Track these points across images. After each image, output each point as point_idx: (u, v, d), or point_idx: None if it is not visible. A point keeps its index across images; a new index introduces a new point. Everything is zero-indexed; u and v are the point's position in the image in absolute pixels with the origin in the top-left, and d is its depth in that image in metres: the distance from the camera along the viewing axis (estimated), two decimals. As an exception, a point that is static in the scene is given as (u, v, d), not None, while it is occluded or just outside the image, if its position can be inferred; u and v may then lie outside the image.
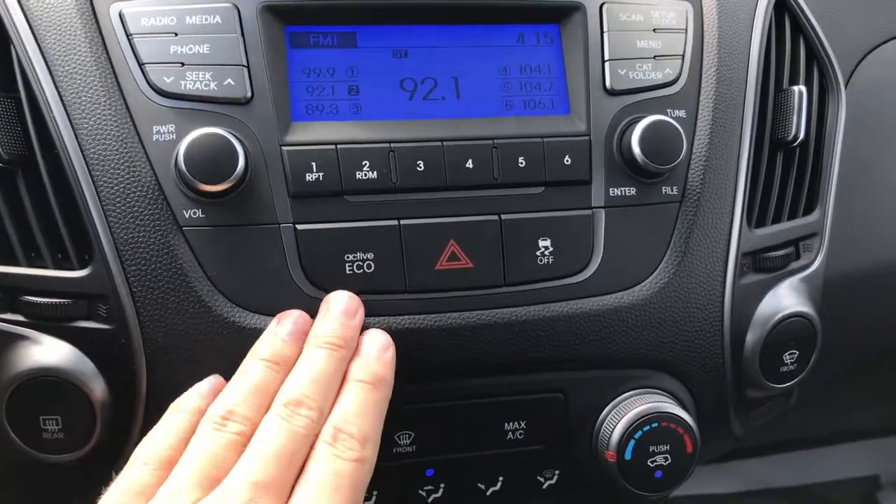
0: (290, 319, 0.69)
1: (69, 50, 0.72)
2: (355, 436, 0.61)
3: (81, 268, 0.70)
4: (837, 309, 0.93)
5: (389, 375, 0.67)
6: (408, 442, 0.77)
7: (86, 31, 0.72)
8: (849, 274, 0.94)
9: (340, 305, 0.69)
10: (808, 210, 0.89)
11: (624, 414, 0.77)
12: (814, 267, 0.88)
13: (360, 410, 0.63)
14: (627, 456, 0.76)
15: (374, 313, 0.72)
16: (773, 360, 0.84)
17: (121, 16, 0.73)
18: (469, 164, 0.74)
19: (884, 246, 0.97)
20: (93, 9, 0.73)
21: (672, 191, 0.79)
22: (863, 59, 0.98)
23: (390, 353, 0.68)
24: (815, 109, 0.90)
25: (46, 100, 0.70)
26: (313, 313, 0.70)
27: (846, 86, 0.95)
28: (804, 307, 0.85)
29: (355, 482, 0.59)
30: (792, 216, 0.88)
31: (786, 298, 0.85)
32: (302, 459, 0.59)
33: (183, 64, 0.72)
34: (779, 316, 0.83)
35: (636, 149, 0.76)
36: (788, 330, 0.84)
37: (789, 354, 0.84)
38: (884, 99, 0.98)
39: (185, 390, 0.69)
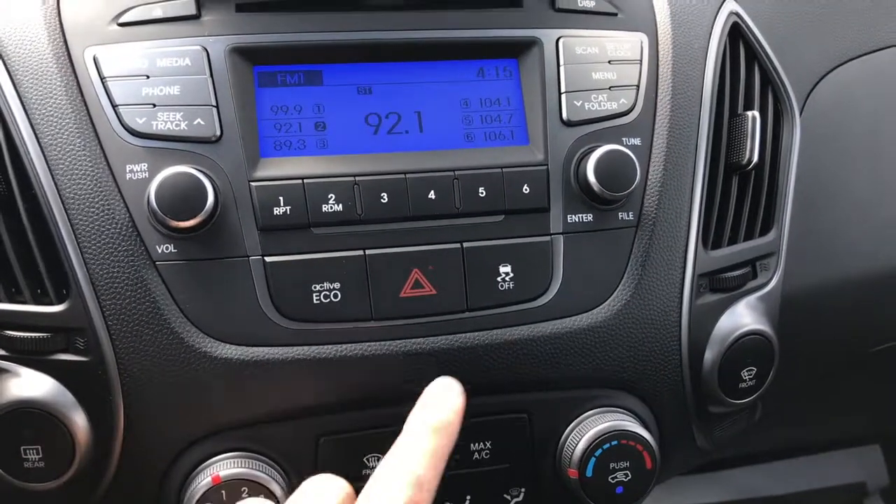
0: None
1: (46, 94, 0.75)
2: (410, 481, 0.62)
3: (59, 302, 0.73)
4: (802, 324, 0.96)
5: (455, 425, 0.68)
6: (377, 464, 0.79)
7: (61, 74, 0.75)
8: (811, 289, 0.97)
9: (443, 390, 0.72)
10: (765, 231, 0.92)
11: (585, 432, 0.80)
12: (770, 286, 0.91)
13: (420, 455, 0.65)
14: (589, 473, 0.79)
15: (340, 341, 0.75)
16: (731, 377, 0.87)
17: (95, 60, 0.76)
18: (431, 194, 0.78)
19: (843, 261, 0.99)
20: (68, 53, 0.76)
21: (628, 216, 0.82)
22: (819, 81, 1.01)
23: (458, 402, 0.70)
24: (770, 133, 0.93)
25: (24, 141, 0.73)
26: (281, 342, 0.74)
27: (802, 108, 0.98)
28: (761, 325, 0.88)
29: None
30: (748, 237, 0.91)
31: (743, 317, 0.88)
32: None
33: (154, 105, 0.75)
34: (736, 334, 0.86)
35: (591, 177, 0.79)
36: (746, 347, 0.87)
37: (747, 371, 0.87)
38: (840, 120, 1.01)
39: (161, 419, 0.72)
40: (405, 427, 0.67)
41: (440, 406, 0.69)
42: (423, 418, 0.67)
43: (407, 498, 0.60)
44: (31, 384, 0.72)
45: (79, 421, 0.73)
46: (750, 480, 1.62)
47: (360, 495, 0.61)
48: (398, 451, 0.64)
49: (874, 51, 1.03)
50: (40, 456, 0.72)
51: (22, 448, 0.72)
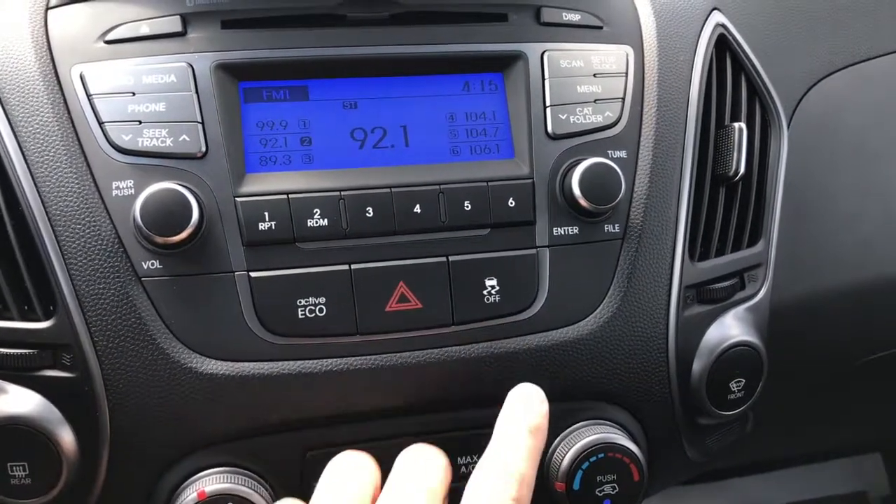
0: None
1: (32, 111, 0.75)
2: (514, 476, 0.65)
3: (46, 319, 0.73)
4: (792, 334, 0.96)
5: (545, 426, 0.71)
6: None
7: (48, 92, 0.76)
8: (800, 300, 0.97)
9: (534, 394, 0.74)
10: (753, 242, 0.92)
11: (572, 445, 0.80)
12: (759, 297, 0.91)
13: (520, 453, 0.68)
14: (576, 486, 0.79)
15: (326, 355, 0.75)
16: (719, 389, 0.87)
17: (81, 77, 0.76)
18: (417, 209, 0.78)
19: (832, 272, 1.00)
20: (55, 70, 0.77)
21: (614, 228, 0.82)
22: (807, 92, 1.01)
23: (545, 407, 0.72)
24: (758, 144, 0.94)
25: (10, 158, 0.74)
26: (266, 357, 0.74)
27: (791, 119, 0.98)
28: (749, 336, 0.88)
29: None
30: (736, 248, 0.91)
31: (731, 328, 0.88)
32: None
33: (140, 122, 0.75)
34: (724, 345, 0.86)
35: (576, 190, 0.79)
36: (734, 359, 0.87)
37: (736, 382, 0.87)
38: (827, 130, 1.01)
39: (147, 435, 0.72)
40: (499, 431, 0.69)
41: (533, 410, 0.71)
42: (519, 421, 0.69)
43: (513, 494, 0.63)
44: (17, 400, 0.72)
45: (65, 437, 0.73)
46: (751, 489, 1.62)
47: (466, 493, 0.64)
48: (500, 452, 0.67)
49: (861, 61, 1.03)
50: (27, 472, 0.73)
51: (8, 465, 0.72)
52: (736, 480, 1.61)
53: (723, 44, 0.94)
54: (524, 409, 0.71)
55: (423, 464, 0.69)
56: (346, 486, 0.68)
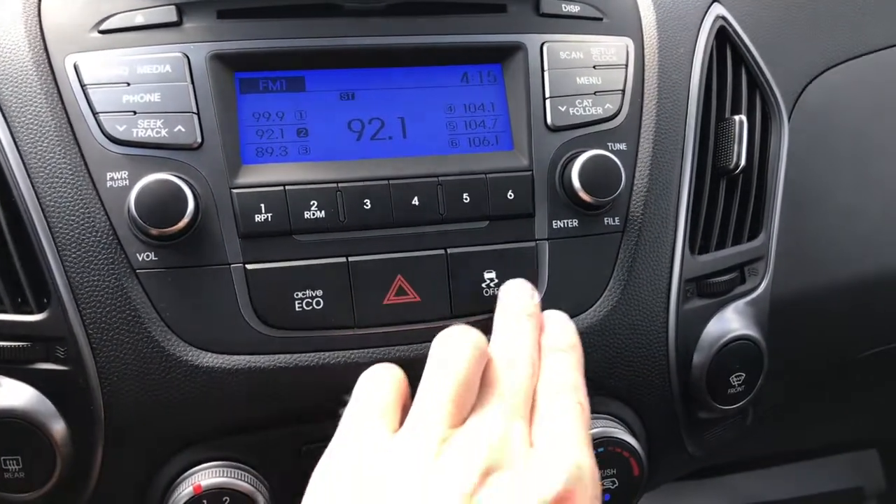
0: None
1: (26, 101, 0.74)
2: (570, 388, 0.66)
3: (40, 311, 0.73)
4: (792, 328, 0.95)
5: (578, 341, 0.72)
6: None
7: (42, 82, 0.75)
8: (801, 294, 0.96)
9: (524, 286, 0.75)
10: (753, 235, 0.91)
11: (571, 440, 0.79)
12: (759, 291, 0.90)
13: (566, 369, 0.69)
14: (575, 480, 0.78)
15: (323, 349, 0.75)
16: (719, 383, 0.86)
17: (76, 67, 0.75)
18: (415, 201, 0.77)
19: (832, 266, 0.99)
20: (49, 60, 0.76)
21: (614, 221, 0.82)
22: (808, 84, 1.01)
23: (572, 325, 0.73)
24: (759, 137, 0.93)
25: (3, 149, 0.73)
26: (263, 350, 0.73)
27: (791, 111, 0.97)
28: (749, 330, 0.87)
29: (586, 421, 0.65)
30: (736, 242, 0.90)
31: (731, 322, 0.87)
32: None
33: (135, 112, 0.74)
34: (724, 339, 0.86)
35: (576, 182, 0.78)
36: (734, 353, 0.86)
37: (736, 377, 0.87)
38: (828, 124, 1.00)
39: (142, 428, 0.71)
40: (543, 350, 0.70)
41: (566, 329, 0.73)
42: (556, 342, 0.71)
43: (579, 400, 0.66)
44: (10, 393, 0.72)
45: (59, 430, 0.72)
46: (748, 486, 1.62)
47: (538, 404, 0.65)
48: (554, 367, 0.68)
49: (862, 55, 1.03)
50: (20, 466, 0.72)
51: (2, 458, 0.72)
52: (733, 477, 1.61)
53: (723, 36, 0.94)
54: (560, 331, 0.73)
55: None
56: (373, 394, 0.67)
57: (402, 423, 0.64)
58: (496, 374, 0.66)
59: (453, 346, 0.66)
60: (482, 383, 0.65)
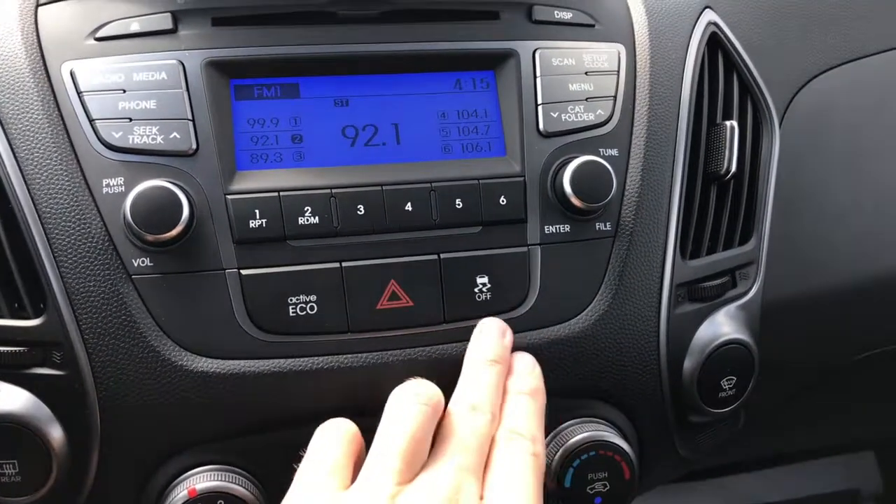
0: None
1: (22, 108, 0.75)
2: (527, 437, 0.69)
3: (36, 316, 0.73)
4: (785, 332, 0.96)
5: (542, 387, 0.75)
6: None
7: (38, 89, 0.75)
8: (792, 298, 0.97)
9: (494, 328, 0.77)
10: (744, 240, 0.92)
11: (563, 443, 0.80)
12: (750, 295, 0.91)
13: (526, 415, 0.71)
14: (567, 483, 0.79)
15: (317, 353, 0.75)
16: (711, 387, 0.87)
17: (72, 74, 0.76)
18: (408, 206, 0.78)
19: (824, 270, 1.00)
20: (45, 67, 0.76)
21: (605, 227, 0.82)
22: (800, 89, 1.01)
23: (538, 370, 0.77)
24: (750, 142, 0.94)
25: (0, 156, 0.74)
26: (257, 354, 0.74)
27: (783, 116, 0.98)
28: (740, 334, 0.88)
29: (538, 474, 0.67)
30: (728, 246, 0.91)
31: (722, 326, 0.88)
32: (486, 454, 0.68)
33: (131, 119, 0.75)
34: (715, 343, 0.86)
35: (568, 188, 0.79)
36: (725, 357, 0.87)
37: (727, 380, 0.87)
38: (820, 129, 1.01)
39: (138, 433, 0.72)
40: (507, 394, 0.73)
41: (532, 374, 0.76)
42: (521, 386, 0.74)
43: (535, 451, 0.68)
44: (6, 398, 0.72)
45: (55, 435, 0.73)
46: (744, 487, 1.62)
47: (493, 454, 0.67)
48: (515, 413, 0.71)
49: (853, 59, 1.04)
50: (17, 470, 0.72)
51: (-2, 462, 0.72)
52: (728, 478, 1.61)
53: (715, 42, 0.94)
54: (522, 375, 0.76)
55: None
56: (325, 451, 0.68)
57: (354, 478, 0.65)
58: (454, 422, 0.68)
59: (406, 402, 0.68)
60: (440, 434, 0.67)
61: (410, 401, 0.68)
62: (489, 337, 0.76)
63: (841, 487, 1.65)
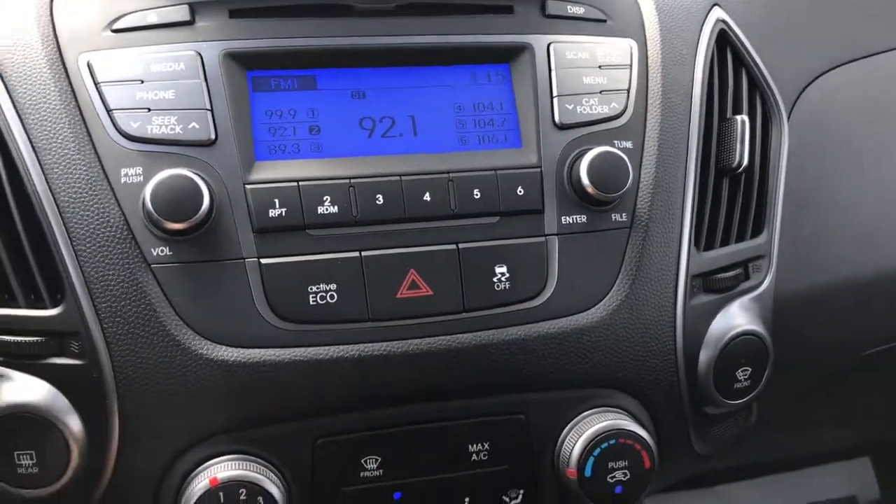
0: None
1: (40, 99, 0.75)
2: None
3: (54, 306, 0.73)
4: (794, 327, 0.96)
5: None
6: (375, 466, 0.79)
7: (55, 80, 0.75)
8: (802, 292, 0.97)
9: None
10: (756, 232, 0.93)
11: (583, 432, 0.80)
12: (763, 287, 0.91)
13: None
14: (588, 472, 0.79)
15: (337, 342, 0.75)
16: (726, 378, 0.87)
17: (89, 65, 0.76)
18: (427, 196, 0.78)
19: (832, 265, 1.00)
20: (62, 59, 0.76)
21: (621, 217, 0.83)
22: (808, 85, 1.02)
23: None
24: (760, 136, 0.94)
25: (18, 147, 0.73)
26: (278, 343, 0.74)
27: (791, 111, 0.99)
28: (754, 325, 0.88)
29: None
30: (740, 239, 0.91)
31: (737, 318, 0.88)
32: None
33: (149, 109, 0.75)
34: (730, 335, 0.87)
35: (584, 179, 0.80)
36: (740, 348, 0.87)
37: (742, 371, 0.88)
38: (827, 125, 1.02)
39: (157, 422, 0.72)
40: None
41: None
42: None
43: None
44: (25, 389, 0.72)
45: (74, 425, 0.72)
46: (741, 495, 1.61)
47: None
48: None
49: (861, 58, 1.05)
50: (34, 461, 0.72)
51: (16, 453, 0.71)
52: (725, 487, 1.60)
53: (723, 39, 0.95)
54: None
55: None
56: None
57: None
58: None
59: None
60: None
61: None
62: None
63: (838, 495, 1.65)
